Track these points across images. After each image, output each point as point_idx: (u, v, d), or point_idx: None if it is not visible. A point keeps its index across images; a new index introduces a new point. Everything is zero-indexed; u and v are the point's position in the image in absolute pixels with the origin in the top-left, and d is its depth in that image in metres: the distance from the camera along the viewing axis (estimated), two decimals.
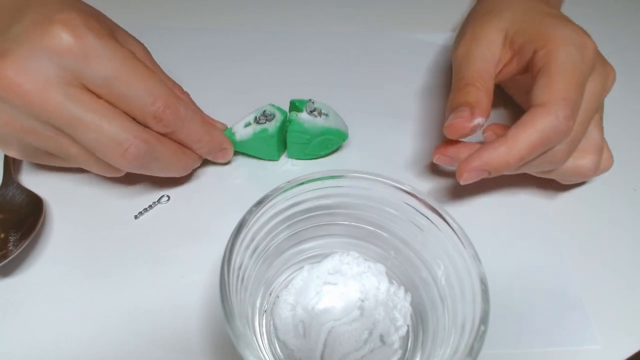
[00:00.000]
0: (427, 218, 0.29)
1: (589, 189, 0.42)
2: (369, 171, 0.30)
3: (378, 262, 0.33)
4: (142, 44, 0.36)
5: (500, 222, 0.39)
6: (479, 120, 0.34)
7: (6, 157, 0.37)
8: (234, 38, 0.51)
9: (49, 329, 0.31)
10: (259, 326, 0.30)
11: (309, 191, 0.29)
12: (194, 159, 0.37)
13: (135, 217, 0.37)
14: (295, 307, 0.30)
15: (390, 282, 0.32)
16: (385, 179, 0.30)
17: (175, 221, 0.37)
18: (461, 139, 0.35)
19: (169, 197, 0.38)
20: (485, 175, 0.33)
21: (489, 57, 0.37)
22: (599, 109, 0.36)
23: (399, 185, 0.29)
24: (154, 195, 0.38)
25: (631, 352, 0.32)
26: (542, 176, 0.38)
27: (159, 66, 0.36)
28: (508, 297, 0.34)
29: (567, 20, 0.37)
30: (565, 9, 0.54)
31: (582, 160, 0.36)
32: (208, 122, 0.37)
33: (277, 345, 0.30)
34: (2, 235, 0.33)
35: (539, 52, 0.34)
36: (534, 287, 0.35)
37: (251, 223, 0.27)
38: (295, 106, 0.39)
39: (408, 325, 0.31)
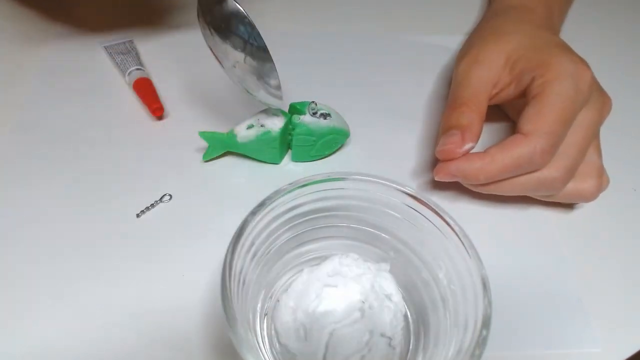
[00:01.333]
0: (428, 220, 0.29)
1: None
2: (370, 173, 0.30)
3: (380, 262, 0.33)
4: None
5: (499, 222, 0.39)
6: (469, 145, 0.35)
7: None
8: None
9: (49, 328, 0.31)
10: (260, 330, 0.30)
11: (309, 193, 0.29)
12: None
13: (137, 215, 0.37)
14: (295, 310, 0.30)
15: (390, 283, 0.32)
16: (386, 181, 0.30)
17: (177, 220, 0.37)
18: None
19: (171, 195, 0.38)
20: (457, 180, 0.36)
21: (488, 78, 0.38)
22: (596, 134, 0.37)
23: (400, 188, 0.29)
24: (156, 193, 0.38)
25: (631, 355, 0.32)
26: (545, 199, 0.39)
27: None
28: (507, 299, 0.34)
29: (568, 50, 0.37)
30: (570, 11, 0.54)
31: (584, 184, 0.37)
32: None
33: (279, 349, 0.30)
34: None
35: (537, 80, 0.36)
36: (534, 288, 0.35)
37: (252, 226, 0.27)
38: (296, 109, 0.39)
39: (410, 323, 0.31)
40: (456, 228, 0.28)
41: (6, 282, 0.33)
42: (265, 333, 0.30)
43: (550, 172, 0.35)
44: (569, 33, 0.56)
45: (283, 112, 0.39)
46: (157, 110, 0.42)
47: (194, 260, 0.35)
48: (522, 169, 0.35)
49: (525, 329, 0.33)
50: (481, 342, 0.24)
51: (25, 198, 0.37)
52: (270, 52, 0.35)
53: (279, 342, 0.30)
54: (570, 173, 0.35)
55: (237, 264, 0.26)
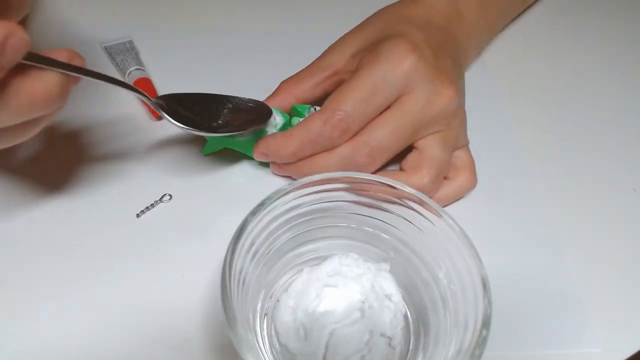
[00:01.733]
0: (428, 220, 0.29)
1: (589, 188, 0.42)
2: (368, 173, 0.30)
3: (380, 262, 0.33)
4: None
5: (499, 222, 0.39)
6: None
7: None
8: (234, 38, 0.51)
9: (49, 328, 0.31)
10: (260, 330, 0.30)
11: (309, 194, 0.29)
12: None
13: (137, 215, 0.37)
14: (295, 310, 0.31)
15: (390, 283, 0.32)
16: (386, 180, 0.30)
17: (177, 220, 0.37)
18: None
19: (171, 195, 0.38)
20: (270, 159, 0.38)
21: (331, 63, 0.40)
22: (435, 125, 0.36)
23: (400, 187, 0.30)
24: (156, 193, 0.38)
25: (631, 355, 0.32)
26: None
27: None
28: (507, 299, 0.34)
29: (401, 33, 0.37)
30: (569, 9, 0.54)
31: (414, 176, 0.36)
32: None
33: (278, 349, 0.30)
34: None
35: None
36: (534, 288, 0.35)
37: (252, 226, 0.27)
38: (297, 111, 0.39)
39: (410, 323, 0.31)
40: (456, 228, 0.28)
41: (6, 282, 0.33)
42: (265, 333, 0.30)
43: (344, 149, 0.35)
44: (569, 33, 0.56)
45: (282, 113, 0.39)
46: None
47: (194, 260, 0.35)
48: (317, 145, 0.36)
49: (525, 329, 0.33)
50: (481, 342, 0.24)
51: (25, 198, 0.37)
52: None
53: (279, 342, 0.30)
54: (372, 151, 0.35)
55: (237, 263, 0.26)
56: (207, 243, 0.35)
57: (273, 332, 0.30)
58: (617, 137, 0.46)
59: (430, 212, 0.29)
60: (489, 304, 0.25)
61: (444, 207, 0.38)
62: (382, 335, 0.30)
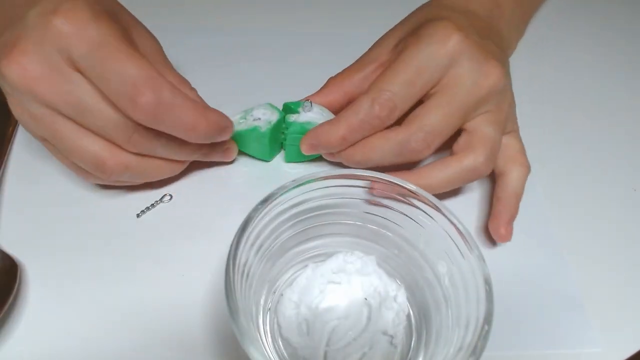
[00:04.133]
0: (431, 217, 0.29)
1: (589, 188, 0.42)
2: (373, 170, 0.30)
3: (384, 260, 0.33)
4: (154, 40, 0.36)
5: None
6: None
7: None
8: (235, 38, 0.51)
9: (50, 328, 0.31)
10: (263, 324, 0.30)
11: (313, 190, 0.30)
12: (180, 165, 0.37)
13: (138, 215, 0.37)
14: (299, 305, 0.31)
15: (393, 281, 0.32)
16: (389, 178, 0.30)
17: (178, 220, 0.37)
18: None
19: (171, 195, 0.38)
20: (320, 151, 0.38)
21: (376, 56, 0.39)
22: (485, 105, 0.36)
23: (403, 185, 0.30)
24: (156, 193, 0.38)
25: (631, 355, 0.32)
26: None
27: (168, 63, 0.36)
28: (507, 298, 0.34)
29: (444, 17, 0.37)
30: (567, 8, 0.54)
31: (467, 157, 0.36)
32: (205, 107, 0.32)
33: (280, 343, 0.30)
34: None
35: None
36: (534, 288, 0.35)
37: (256, 221, 0.27)
38: (290, 109, 0.39)
39: (412, 322, 0.31)
40: (460, 227, 0.28)
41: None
42: (267, 328, 0.30)
43: (399, 134, 0.35)
44: (569, 33, 0.56)
45: (277, 109, 0.38)
46: None
47: (194, 260, 0.35)
48: (368, 128, 0.36)
49: (525, 329, 0.33)
50: (483, 337, 0.24)
51: (24, 198, 0.37)
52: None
53: (281, 336, 0.30)
54: (427, 134, 0.35)
55: (242, 256, 0.26)
56: (207, 243, 0.35)
57: (275, 325, 0.30)
58: (617, 137, 0.46)
59: (434, 210, 0.29)
60: (491, 301, 0.25)
61: (519, 202, 0.38)
62: (384, 333, 0.30)
